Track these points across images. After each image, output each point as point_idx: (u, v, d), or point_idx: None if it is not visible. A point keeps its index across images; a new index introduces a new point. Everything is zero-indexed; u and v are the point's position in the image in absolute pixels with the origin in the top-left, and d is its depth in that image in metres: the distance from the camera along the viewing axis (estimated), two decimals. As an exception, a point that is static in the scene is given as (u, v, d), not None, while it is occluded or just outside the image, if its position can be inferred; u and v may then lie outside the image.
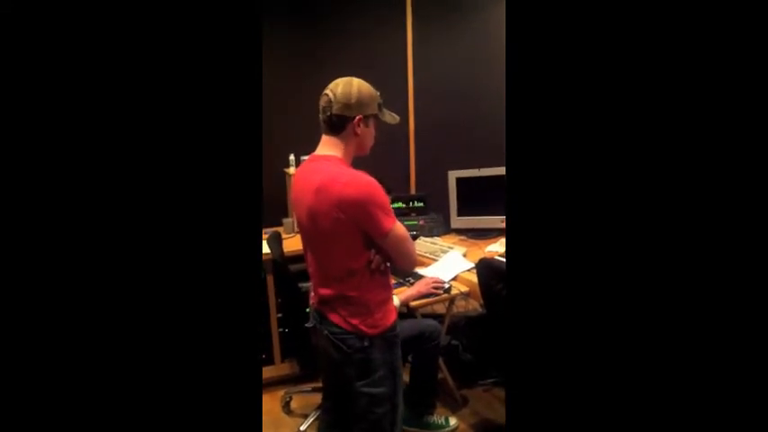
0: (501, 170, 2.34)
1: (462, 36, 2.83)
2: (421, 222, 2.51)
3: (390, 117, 1.33)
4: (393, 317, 1.32)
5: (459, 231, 2.48)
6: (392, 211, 1.21)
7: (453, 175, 2.46)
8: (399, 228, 1.21)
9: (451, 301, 1.99)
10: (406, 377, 1.96)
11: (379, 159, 2.44)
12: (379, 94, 1.28)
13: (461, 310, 2.57)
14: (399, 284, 1.90)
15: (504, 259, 1.93)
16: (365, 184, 1.16)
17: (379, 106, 1.28)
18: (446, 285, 1.84)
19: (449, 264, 2.05)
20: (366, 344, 1.25)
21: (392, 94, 2.87)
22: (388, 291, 1.34)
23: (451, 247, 2.22)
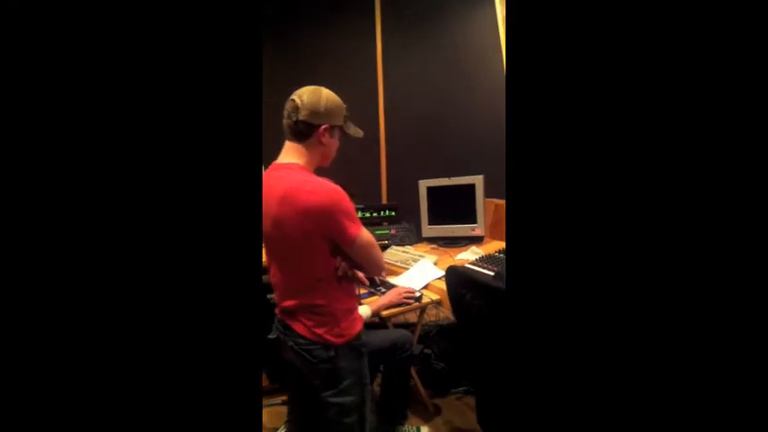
0: (471, 179, 2.37)
1: (432, 48, 2.88)
2: (392, 231, 2.51)
3: (355, 130, 1.34)
4: (359, 325, 1.31)
5: (430, 240, 2.49)
6: (358, 218, 1.21)
7: (424, 185, 2.48)
8: (365, 234, 1.21)
9: (423, 309, 2.00)
10: (377, 387, 1.95)
11: (351, 169, 2.44)
12: (346, 106, 1.29)
13: (433, 318, 2.58)
14: (370, 294, 1.89)
15: (473, 267, 1.94)
16: (330, 191, 1.16)
17: (345, 118, 1.29)
18: (417, 294, 1.85)
19: (420, 272, 2.05)
20: (332, 353, 1.24)
21: (363, 104, 2.92)
22: (354, 299, 1.34)
23: (423, 256, 2.23)
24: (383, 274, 1.48)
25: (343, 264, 1.24)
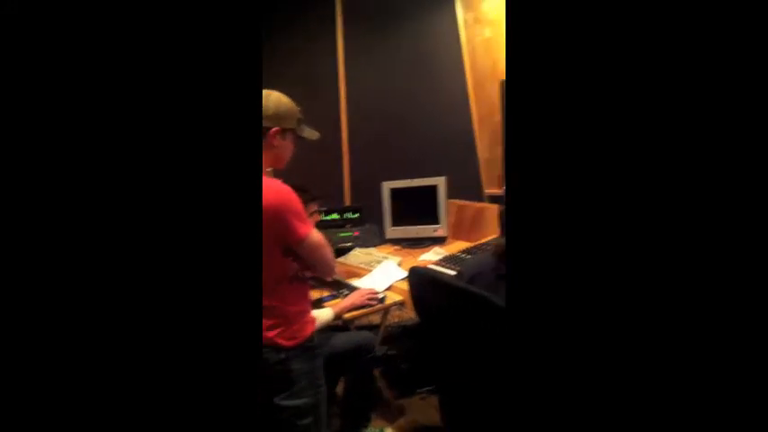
0: (433, 180, 2.39)
1: (394, 51, 2.88)
2: (356, 233, 2.50)
3: (310, 133, 1.33)
4: (311, 327, 1.31)
5: (394, 241, 2.49)
6: (308, 218, 1.22)
7: (387, 186, 2.48)
8: (316, 235, 1.21)
9: (386, 311, 2.00)
10: (341, 391, 1.94)
11: (314, 172, 2.42)
12: (299, 109, 1.29)
13: (397, 319, 2.58)
14: (333, 297, 1.87)
15: (436, 267, 1.96)
16: (279, 191, 1.16)
17: (299, 121, 1.29)
18: (381, 296, 1.84)
19: (383, 274, 2.05)
20: (283, 356, 1.23)
21: (325, 107, 2.90)
22: (306, 301, 1.34)
23: (386, 257, 2.23)
24: (334, 274, 1.48)
25: (294, 264, 1.24)
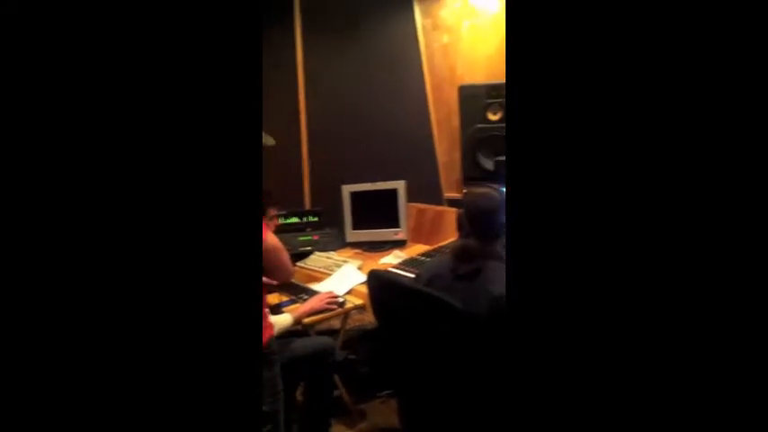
0: (394, 184, 2.40)
1: (353, 54, 2.89)
2: (316, 237, 2.48)
3: (265, 139, 1.32)
4: (269, 333, 1.29)
5: (354, 245, 2.49)
6: (265, 222, 1.20)
7: (347, 190, 2.47)
8: (272, 239, 1.20)
9: (346, 315, 1.99)
10: (300, 397, 1.91)
11: (274, 175, 2.38)
12: None
13: (357, 323, 2.57)
14: (292, 301, 1.85)
15: (396, 270, 1.97)
16: None
17: None
18: (340, 300, 1.83)
19: (343, 278, 2.04)
20: None
21: (284, 111, 2.86)
22: (263, 306, 1.31)
23: (346, 261, 2.22)
24: (291, 278, 1.47)
25: None
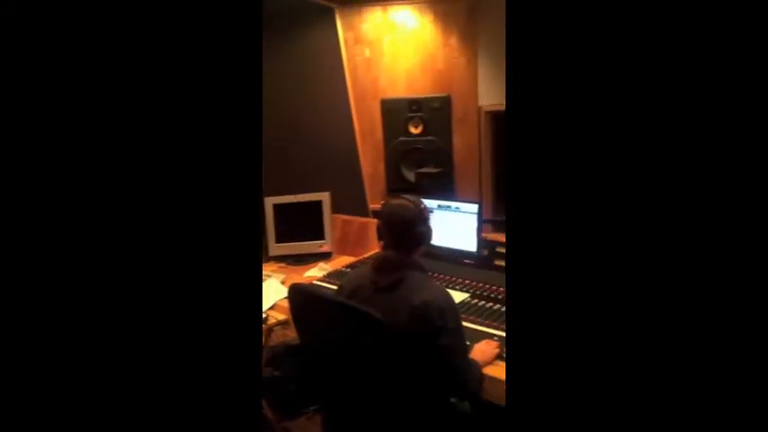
0: (317, 196, 2.38)
1: (276, 63, 2.84)
2: (237, 251, 2.40)
3: None
4: None
5: (278, 258, 2.43)
6: None
7: (270, 202, 2.42)
8: None
9: (270, 331, 1.93)
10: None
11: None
12: None
13: (281, 339, 2.51)
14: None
15: (320, 283, 1.94)
16: None
17: None
18: (263, 316, 1.78)
19: (266, 293, 1.99)
20: None
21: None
22: None
23: (269, 276, 2.17)
24: None
25: None
